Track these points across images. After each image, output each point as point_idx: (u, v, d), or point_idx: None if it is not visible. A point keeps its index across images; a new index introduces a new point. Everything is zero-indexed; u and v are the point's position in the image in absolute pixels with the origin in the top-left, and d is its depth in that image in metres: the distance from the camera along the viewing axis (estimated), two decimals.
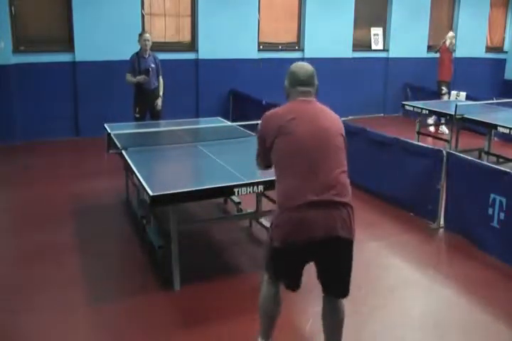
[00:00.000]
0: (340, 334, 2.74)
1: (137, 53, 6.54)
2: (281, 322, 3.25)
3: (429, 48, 11.42)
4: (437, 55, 9.59)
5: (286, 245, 2.48)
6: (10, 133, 7.73)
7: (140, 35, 6.58)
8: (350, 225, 2.65)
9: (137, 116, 6.60)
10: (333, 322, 2.73)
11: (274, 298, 2.71)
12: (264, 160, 2.73)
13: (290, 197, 2.47)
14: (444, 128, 8.87)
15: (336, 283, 2.69)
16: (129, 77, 6.51)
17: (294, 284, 2.65)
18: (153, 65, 6.56)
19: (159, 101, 6.67)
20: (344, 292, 2.69)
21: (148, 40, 6.49)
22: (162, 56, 7.55)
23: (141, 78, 6.43)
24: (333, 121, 2.64)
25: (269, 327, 2.79)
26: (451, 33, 9.54)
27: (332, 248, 2.57)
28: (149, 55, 6.57)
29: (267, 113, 2.70)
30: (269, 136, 2.57)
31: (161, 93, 6.69)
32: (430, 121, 9.00)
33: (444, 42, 9.42)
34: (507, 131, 6.02)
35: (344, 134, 2.65)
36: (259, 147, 2.70)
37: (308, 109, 2.61)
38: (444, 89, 9.13)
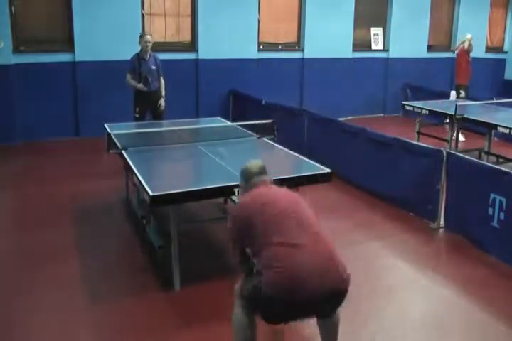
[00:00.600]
0: (337, 336, 2.74)
1: (138, 54, 6.50)
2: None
3: (429, 48, 11.44)
4: (454, 55, 9.43)
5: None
6: (10, 133, 7.74)
7: (141, 36, 6.51)
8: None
9: (137, 116, 6.58)
10: (329, 328, 2.73)
11: (251, 325, 2.63)
12: (240, 243, 2.74)
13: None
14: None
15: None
16: (130, 79, 6.47)
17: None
18: (153, 67, 6.52)
19: (162, 102, 6.65)
20: (337, 309, 2.65)
21: (149, 42, 6.44)
22: (162, 56, 7.54)
23: (140, 86, 6.41)
24: (298, 198, 2.77)
25: None
26: (469, 35, 9.34)
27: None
28: (150, 57, 6.53)
29: (239, 204, 2.91)
30: (246, 219, 2.64)
31: (163, 94, 6.67)
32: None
33: (462, 45, 9.23)
34: (507, 131, 6.03)
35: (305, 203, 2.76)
36: (235, 233, 2.75)
37: (271, 191, 2.78)
38: (463, 93, 8.85)
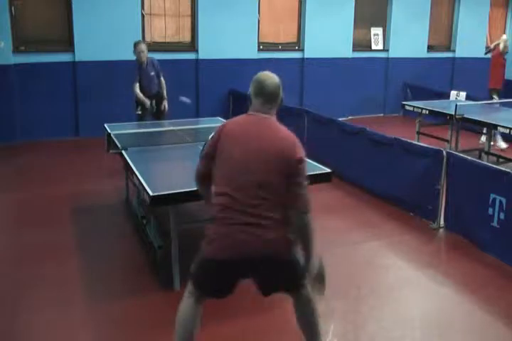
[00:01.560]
0: (317, 328, 2.64)
1: (136, 62, 6.47)
2: (281, 323, 3.26)
3: (429, 48, 11.43)
4: (488, 55, 8.73)
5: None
6: (10, 133, 7.74)
7: (135, 45, 6.40)
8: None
9: (139, 113, 6.59)
10: (303, 317, 2.64)
11: (194, 315, 2.59)
12: (205, 165, 2.60)
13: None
14: (500, 142, 7.67)
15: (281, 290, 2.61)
16: (138, 92, 6.41)
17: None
18: (152, 73, 6.52)
19: (165, 103, 6.67)
20: (294, 287, 2.56)
21: (143, 52, 6.36)
22: (162, 56, 7.56)
23: (146, 103, 6.43)
24: (277, 144, 2.42)
25: None
26: (504, 36, 8.72)
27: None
28: (147, 64, 6.48)
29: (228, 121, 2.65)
30: (215, 143, 2.52)
31: (165, 95, 6.69)
32: (483, 138, 7.54)
33: (497, 46, 8.45)
34: (507, 131, 6.03)
35: (297, 164, 2.40)
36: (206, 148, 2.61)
37: (252, 127, 2.48)
38: (496, 98, 8.15)
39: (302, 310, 2.61)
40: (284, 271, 2.48)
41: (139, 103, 6.55)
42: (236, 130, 2.49)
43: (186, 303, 2.58)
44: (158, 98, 6.63)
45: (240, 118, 2.57)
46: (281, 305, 3.47)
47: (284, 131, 2.51)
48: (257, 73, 2.58)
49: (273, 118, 2.54)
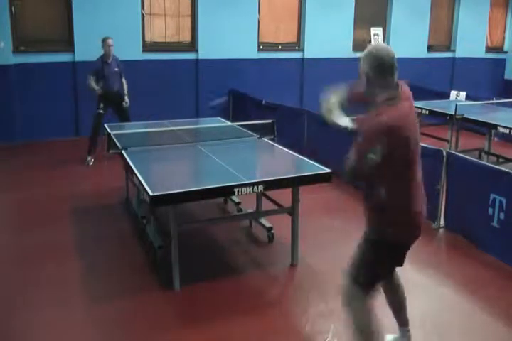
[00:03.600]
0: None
1: (101, 58, 6.74)
2: (281, 323, 3.26)
3: (429, 48, 11.43)
4: None
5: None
6: (10, 133, 7.74)
7: (103, 40, 6.73)
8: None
9: (101, 111, 6.73)
10: (400, 295, 2.96)
11: (373, 311, 2.60)
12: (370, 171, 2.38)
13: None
14: None
15: None
16: (91, 81, 6.68)
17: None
18: (116, 69, 6.80)
19: (127, 100, 6.88)
20: None
21: (111, 46, 6.72)
22: (162, 56, 7.57)
23: (98, 91, 6.66)
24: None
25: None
26: None
27: None
28: (112, 60, 6.79)
29: (394, 122, 2.31)
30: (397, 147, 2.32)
31: (125, 94, 6.89)
32: None
33: None
34: (507, 131, 6.02)
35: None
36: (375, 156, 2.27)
37: (412, 115, 2.50)
38: None
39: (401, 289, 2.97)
40: None
41: (101, 101, 6.73)
42: (411, 128, 2.40)
43: (368, 308, 2.62)
44: (118, 97, 6.81)
45: (403, 111, 2.40)
46: (277, 306, 3.47)
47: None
48: (369, 48, 2.50)
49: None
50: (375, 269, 2.60)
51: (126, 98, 6.89)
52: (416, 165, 2.46)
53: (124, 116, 6.88)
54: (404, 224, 2.54)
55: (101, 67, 6.71)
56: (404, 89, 2.49)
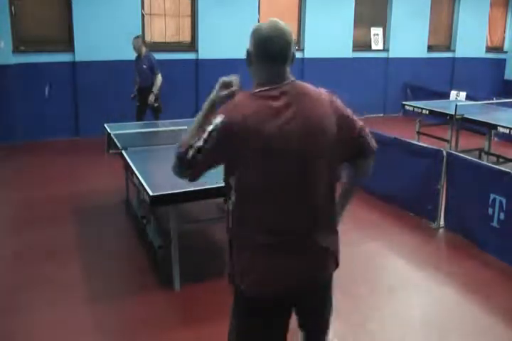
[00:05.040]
0: None
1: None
2: None
3: (429, 48, 11.44)
4: None
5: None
6: (10, 133, 7.72)
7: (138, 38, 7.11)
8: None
9: (137, 104, 7.09)
10: None
11: None
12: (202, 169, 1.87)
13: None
14: None
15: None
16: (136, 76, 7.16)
17: None
18: (144, 66, 6.97)
19: (151, 97, 6.96)
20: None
21: (132, 43, 7.01)
22: (162, 56, 7.56)
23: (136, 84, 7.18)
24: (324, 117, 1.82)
25: None
26: None
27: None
28: (144, 56, 7.03)
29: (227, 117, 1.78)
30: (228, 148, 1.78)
31: (154, 90, 6.97)
32: None
33: None
34: (507, 131, 6.03)
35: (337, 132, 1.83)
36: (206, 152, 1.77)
37: (287, 113, 1.75)
38: None
39: None
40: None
41: (137, 94, 7.16)
42: (272, 130, 1.73)
43: None
44: (146, 92, 6.98)
45: (263, 103, 1.77)
46: None
47: (318, 91, 1.91)
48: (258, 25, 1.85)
49: (296, 81, 1.85)
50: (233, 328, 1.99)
51: (151, 96, 6.94)
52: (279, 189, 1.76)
53: (153, 113, 7.13)
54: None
55: (135, 63, 7.10)
56: (303, 90, 1.85)
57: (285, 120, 1.74)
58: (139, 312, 3.37)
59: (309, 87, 1.90)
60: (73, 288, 3.64)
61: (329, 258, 1.90)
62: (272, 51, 1.80)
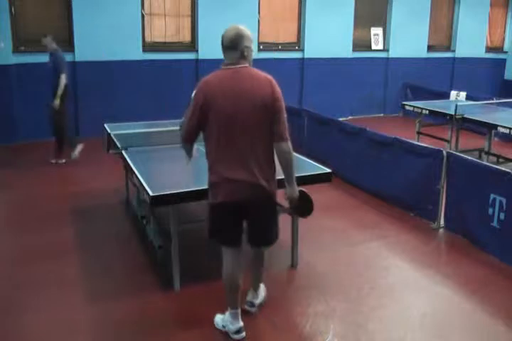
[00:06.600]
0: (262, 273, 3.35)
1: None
2: (281, 323, 3.26)
3: (429, 48, 11.44)
4: None
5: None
6: (10, 133, 7.74)
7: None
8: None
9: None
10: (258, 267, 3.32)
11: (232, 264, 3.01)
12: (192, 129, 2.90)
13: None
14: None
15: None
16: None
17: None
18: (50, 65, 6.58)
19: (55, 102, 6.56)
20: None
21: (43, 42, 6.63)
22: (162, 56, 7.56)
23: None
24: (258, 91, 2.72)
25: (233, 295, 3.05)
26: None
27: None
28: (51, 55, 6.63)
29: (203, 81, 2.85)
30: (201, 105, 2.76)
31: (58, 92, 6.54)
32: None
33: None
34: (507, 131, 6.03)
35: (274, 102, 2.74)
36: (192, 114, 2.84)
37: (229, 79, 2.75)
38: None
39: (260, 257, 3.30)
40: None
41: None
42: (219, 86, 2.75)
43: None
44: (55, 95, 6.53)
45: (216, 74, 2.82)
46: (277, 306, 3.48)
47: (260, 75, 2.79)
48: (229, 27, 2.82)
49: (247, 67, 2.79)
50: (209, 226, 2.99)
51: (55, 100, 6.47)
52: (229, 132, 2.74)
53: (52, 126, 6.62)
54: (210, 185, 2.91)
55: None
56: (247, 72, 2.78)
57: (232, 84, 2.74)
58: (138, 312, 3.37)
59: (258, 71, 2.81)
60: (73, 288, 3.65)
61: (263, 183, 2.83)
62: (225, 41, 2.77)
